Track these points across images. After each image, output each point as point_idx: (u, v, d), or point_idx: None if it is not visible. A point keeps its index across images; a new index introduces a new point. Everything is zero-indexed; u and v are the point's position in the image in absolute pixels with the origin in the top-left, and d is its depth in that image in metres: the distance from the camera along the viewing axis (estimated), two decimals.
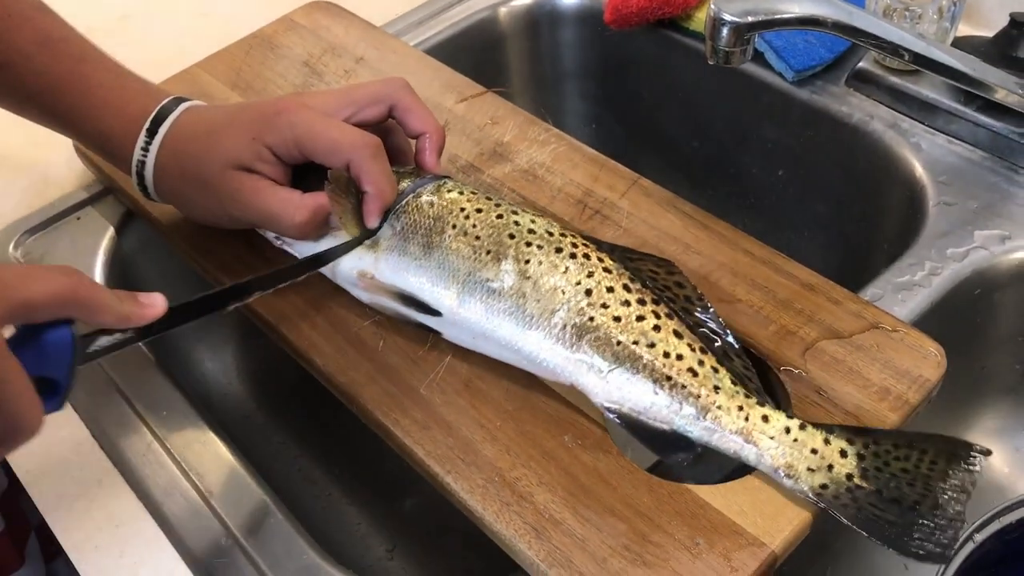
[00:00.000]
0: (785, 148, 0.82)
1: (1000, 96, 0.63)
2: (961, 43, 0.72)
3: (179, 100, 0.63)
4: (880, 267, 0.67)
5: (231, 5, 1.00)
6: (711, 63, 0.57)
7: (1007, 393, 0.71)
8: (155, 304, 0.49)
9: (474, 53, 0.92)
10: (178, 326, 0.50)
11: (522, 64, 0.96)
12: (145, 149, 0.62)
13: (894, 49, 0.57)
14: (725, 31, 0.54)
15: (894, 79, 0.74)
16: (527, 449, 0.53)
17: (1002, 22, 0.69)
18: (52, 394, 0.45)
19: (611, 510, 0.50)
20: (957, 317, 0.64)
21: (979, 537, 0.56)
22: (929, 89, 0.72)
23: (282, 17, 0.88)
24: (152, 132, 0.62)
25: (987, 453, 0.49)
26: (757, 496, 0.50)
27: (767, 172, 0.85)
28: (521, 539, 0.50)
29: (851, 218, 0.79)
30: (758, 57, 0.79)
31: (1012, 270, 0.63)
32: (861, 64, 0.76)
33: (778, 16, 0.54)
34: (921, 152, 0.71)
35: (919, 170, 0.70)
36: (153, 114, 0.62)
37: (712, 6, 0.55)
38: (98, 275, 0.73)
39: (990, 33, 0.71)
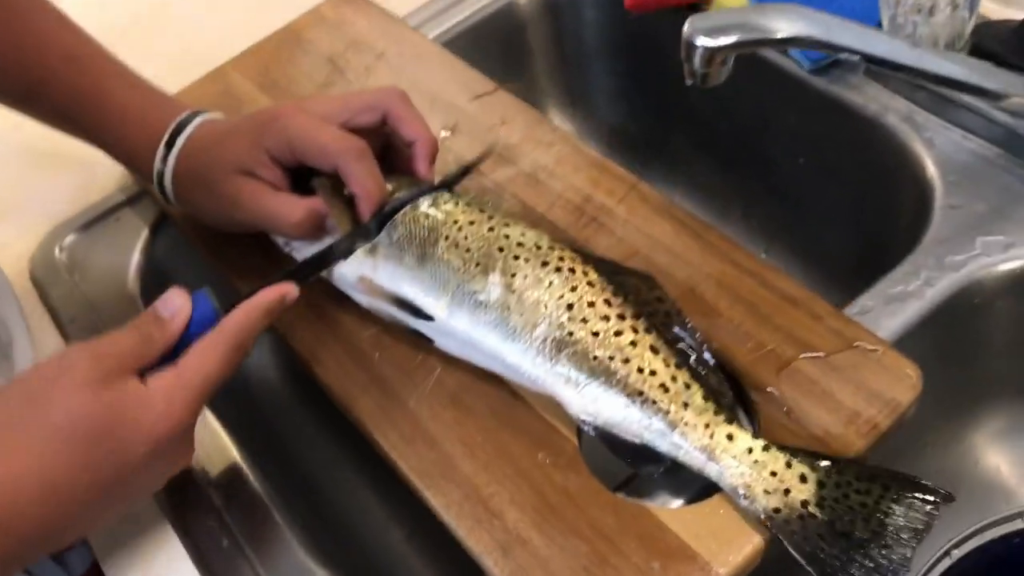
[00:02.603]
0: (805, 136, 0.80)
1: (1009, 103, 0.60)
2: (984, 31, 0.69)
3: (195, 114, 0.67)
4: (896, 257, 0.66)
5: None
6: (688, 84, 0.56)
7: (1017, 395, 0.69)
8: (179, 312, 0.55)
9: (499, 37, 0.93)
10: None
11: (547, 46, 0.96)
12: (164, 160, 0.66)
13: (882, 63, 0.56)
14: (697, 56, 0.53)
15: None
16: (503, 467, 0.56)
17: None
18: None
19: (575, 531, 0.53)
20: (958, 325, 0.63)
21: (957, 553, 0.57)
22: None
23: (311, 10, 0.90)
24: (170, 144, 0.66)
25: (950, 499, 0.49)
26: (715, 521, 0.52)
27: (790, 158, 0.83)
28: (489, 556, 0.53)
29: (870, 208, 0.78)
30: None
31: (1011, 279, 0.62)
32: None
33: (755, 37, 0.54)
34: (933, 149, 0.69)
35: (930, 169, 0.68)
36: (171, 127, 0.66)
37: (686, 27, 0.54)
38: (132, 275, 0.78)
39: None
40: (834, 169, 0.80)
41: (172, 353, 0.54)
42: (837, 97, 0.75)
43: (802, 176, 0.83)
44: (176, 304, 0.55)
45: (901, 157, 0.71)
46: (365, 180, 0.60)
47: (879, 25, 0.73)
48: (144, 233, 0.80)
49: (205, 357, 0.53)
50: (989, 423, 0.69)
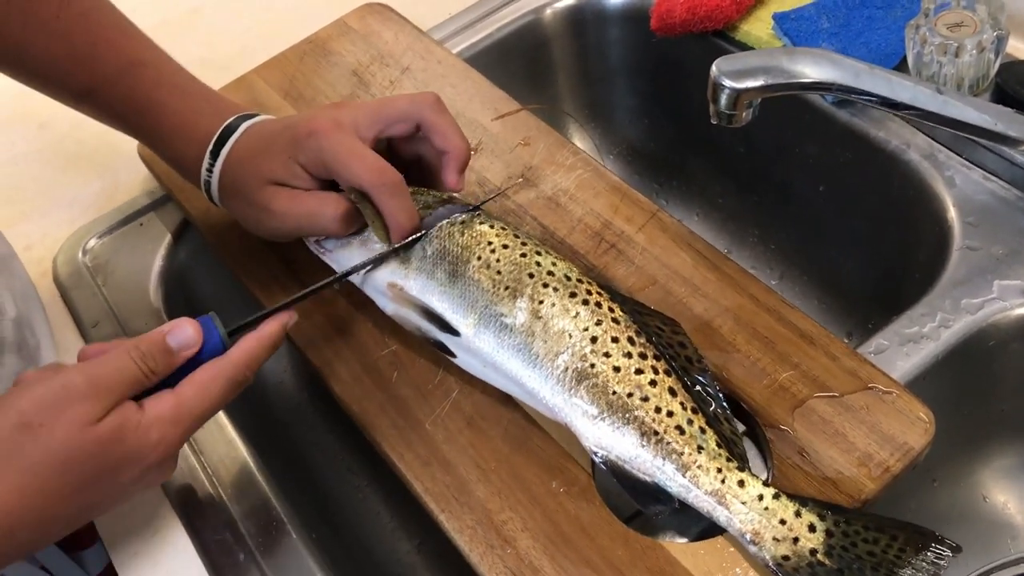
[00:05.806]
0: (826, 166, 0.81)
1: None
2: (1008, 71, 0.70)
3: (241, 119, 0.67)
4: (912, 291, 0.67)
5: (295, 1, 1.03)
6: (714, 123, 0.57)
7: None
8: (188, 346, 0.55)
9: (524, 52, 0.93)
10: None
11: (570, 62, 0.96)
12: (209, 170, 0.67)
13: (907, 108, 0.56)
14: (724, 97, 0.54)
15: None
16: (516, 493, 0.57)
17: None
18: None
19: (587, 561, 0.53)
20: (971, 366, 0.64)
21: None
22: None
23: (337, 20, 0.91)
24: (215, 154, 0.66)
25: (957, 550, 0.49)
26: (725, 558, 0.52)
27: (809, 186, 0.84)
28: None
29: (889, 241, 0.78)
30: None
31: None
32: None
33: (783, 81, 0.54)
34: (954, 188, 0.69)
35: (950, 210, 0.68)
36: (215, 137, 0.66)
37: (713, 69, 0.55)
38: (155, 280, 0.79)
39: None
40: (853, 200, 0.80)
41: (172, 375, 0.54)
42: (859, 130, 0.75)
43: (820, 204, 0.84)
44: (186, 335, 0.55)
45: (921, 193, 0.71)
46: (398, 214, 0.61)
47: (903, 59, 0.74)
48: (167, 239, 0.81)
49: (206, 392, 0.53)
50: (997, 460, 0.70)
